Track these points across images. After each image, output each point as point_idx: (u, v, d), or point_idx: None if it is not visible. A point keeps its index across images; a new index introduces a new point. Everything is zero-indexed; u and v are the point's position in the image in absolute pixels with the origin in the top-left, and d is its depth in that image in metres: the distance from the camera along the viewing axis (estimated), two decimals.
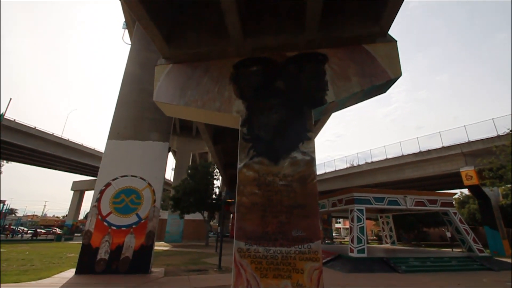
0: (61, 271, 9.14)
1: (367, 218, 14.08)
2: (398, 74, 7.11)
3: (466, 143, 21.06)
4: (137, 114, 11.37)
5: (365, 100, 7.73)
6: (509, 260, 14.06)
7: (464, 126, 21.68)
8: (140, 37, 13.08)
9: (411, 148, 25.54)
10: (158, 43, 7.33)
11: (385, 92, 7.63)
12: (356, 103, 7.81)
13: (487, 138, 19.82)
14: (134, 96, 11.69)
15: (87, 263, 8.86)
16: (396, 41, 7.38)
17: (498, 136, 19.00)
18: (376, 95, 7.73)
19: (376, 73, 7.17)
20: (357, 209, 13.10)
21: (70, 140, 33.70)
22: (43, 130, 30.19)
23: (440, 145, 22.85)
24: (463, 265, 12.07)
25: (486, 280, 9.15)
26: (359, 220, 12.85)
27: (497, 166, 15.38)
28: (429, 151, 23.56)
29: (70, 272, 8.93)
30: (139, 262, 9.18)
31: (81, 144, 35.64)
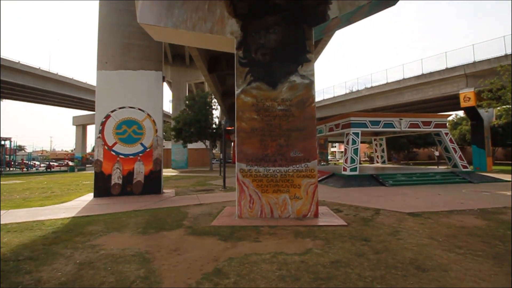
0: (80, 196, 10.13)
1: (361, 142, 14.70)
2: None
3: (471, 63, 20.14)
4: (123, 40, 10.50)
5: (371, 15, 7.04)
6: (489, 174, 15.42)
7: (472, 45, 20.39)
8: None
9: (414, 71, 24.62)
10: None
11: (394, 4, 6.88)
12: (361, 19, 7.16)
13: (494, 58, 18.84)
14: (115, 19, 10.56)
15: (103, 188, 9.73)
16: None
17: (506, 56, 18.06)
18: (384, 9, 7.01)
19: None
20: (353, 133, 13.57)
21: (59, 74, 32.21)
22: (28, 65, 28.63)
23: (444, 67, 22.00)
24: (446, 179, 13.27)
25: (465, 191, 10.21)
26: (354, 142, 13.47)
27: (497, 87, 15.18)
28: (431, 73, 22.81)
29: (89, 196, 9.90)
30: (151, 184, 10.13)
31: (71, 78, 34.23)
